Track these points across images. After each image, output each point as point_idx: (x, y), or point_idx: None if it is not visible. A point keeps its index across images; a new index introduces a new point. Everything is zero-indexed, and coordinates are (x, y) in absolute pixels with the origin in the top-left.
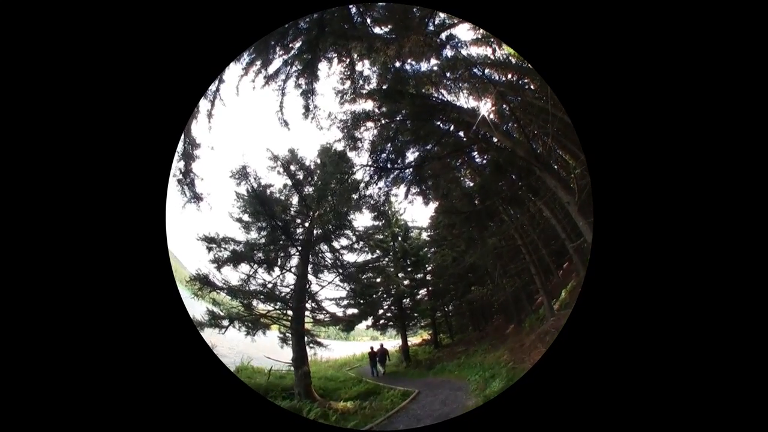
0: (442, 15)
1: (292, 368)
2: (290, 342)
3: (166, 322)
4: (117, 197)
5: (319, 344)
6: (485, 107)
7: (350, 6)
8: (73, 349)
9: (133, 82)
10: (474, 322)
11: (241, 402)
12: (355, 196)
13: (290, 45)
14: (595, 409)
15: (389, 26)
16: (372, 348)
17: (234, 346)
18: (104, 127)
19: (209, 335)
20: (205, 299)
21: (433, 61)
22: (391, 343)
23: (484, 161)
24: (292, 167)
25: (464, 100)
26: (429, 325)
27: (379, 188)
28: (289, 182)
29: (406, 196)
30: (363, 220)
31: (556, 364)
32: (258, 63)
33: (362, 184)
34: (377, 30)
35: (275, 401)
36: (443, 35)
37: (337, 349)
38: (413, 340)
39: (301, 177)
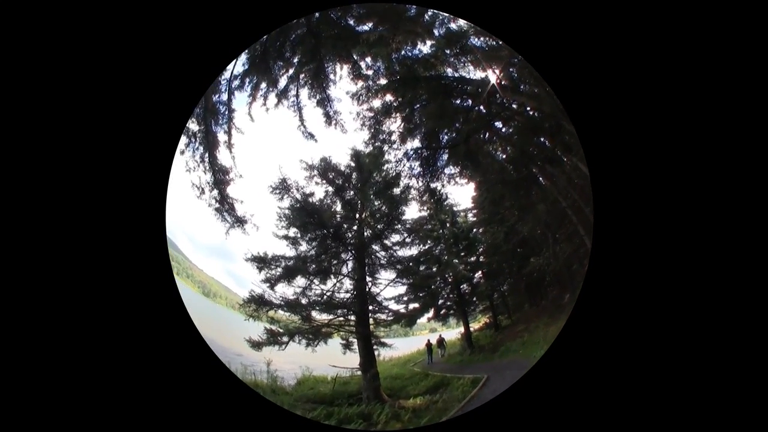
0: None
1: (358, 373)
2: (353, 347)
3: (166, 322)
4: (116, 198)
5: (384, 344)
6: (494, 74)
7: (329, 10)
8: (73, 349)
9: (127, 85)
10: (530, 298)
11: (238, 400)
12: (397, 191)
13: (291, 59)
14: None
15: (374, 20)
16: (429, 340)
17: (293, 360)
18: (104, 129)
19: (267, 353)
20: (262, 319)
21: (429, 43)
22: (452, 332)
23: (510, 129)
24: (330, 174)
25: (473, 73)
26: (487, 308)
27: (418, 177)
28: (330, 189)
29: (445, 179)
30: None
31: (557, 363)
32: (263, 86)
33: (401, 177)
34: (365, 27)
35: (341, 409)
36: (426, 16)
37: (400, 347)
38: (474, 326)
39: (341, 182)
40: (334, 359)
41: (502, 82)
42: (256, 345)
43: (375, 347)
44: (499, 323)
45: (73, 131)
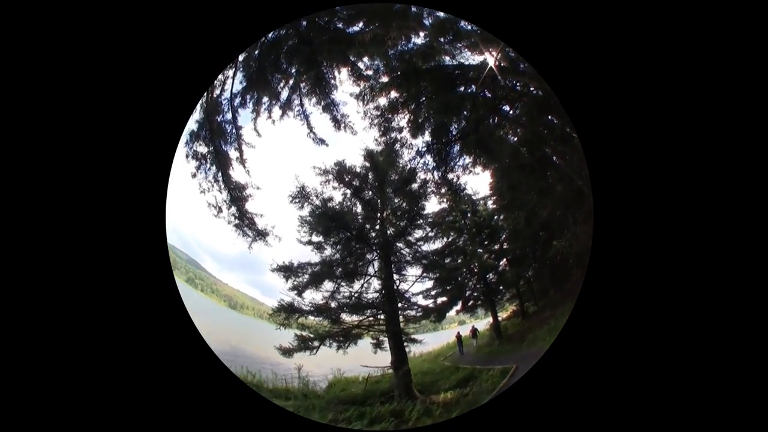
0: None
1: (390, 371)
2: (384, 346)
3: (167, 327)
4: (116, 199)
5: (414, 341)
6: (491, 56)
7: (315, 17)
8: (73, 350)
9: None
10: (554, 283)
11: (236, 397)
12: (414, 186)
13: (289, 70)
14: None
15: (363, 20)
16: (459, 332)
17: (324, 363)
18: (103, 132)
19: (297, 359)
20: (292, 326)
21: (422, 34)
22: (481, 323)
23: (518, 111)
24: (346, 177)
25: (471, 58)
26: (514, 296)
27: (434, 170)
28: (348, 191)
29: (461, 170)
30: (429, 206)
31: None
32: (265, 100)
33: (417, 172)
34: (356, 28)
35: (373, 408)
36: (413, 8)
37: (430, 341)
38: (501, 315)
39: (358, 183)
40: (365, 359)
41: (501, 64)
42: (287, 352)
43: (406, 344)
44: (526, 310)
45: (73, 133)
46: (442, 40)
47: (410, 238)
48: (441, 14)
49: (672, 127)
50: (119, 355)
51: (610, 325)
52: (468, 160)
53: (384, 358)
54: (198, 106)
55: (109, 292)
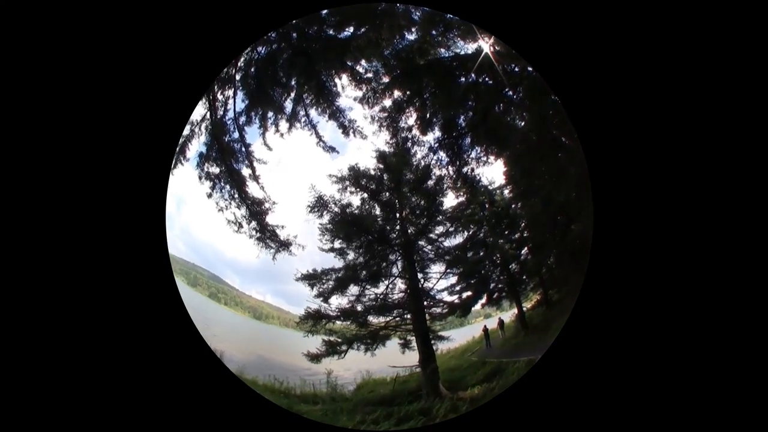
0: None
1: (418, 370)
2: (412, 345)
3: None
4: (116, 201)
5: (441, 338)
6: (485, 42)
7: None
8: (75, 351)
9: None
10: (575, 268)
11: (241, 402)
12: (430, 183)
13: (289, 83)
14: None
15: (352, 24)
16: (485, 326)
17: (352, 367)
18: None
19: (326, 364)
20: (319, 332)
21: (414, 29)
22: (506, 315)
23: (521, 94)
24: (362, 181)
25: (466, 46)
26: (537, 284)
27: (447, 166)
28: (366, 195)
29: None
30: (447, 202)
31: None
32: (270, 114)
33: (431, 169)
34: (348, 32)
35: (401, 407)
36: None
37: (457, 337)
38: (526, 305)
39: (374, 186)
40: (393, 360)
41: (496, 48)
42: (315, 358)
43: (433, 342)
44: (550, 298)
45: (72, 135)
46: (434, 32)
47: (431, 235)
48: (426, 9)
49: (671, 122)
50: (119, 355)
51: (610, 323)
52: (480, 151)
53: (412, 358)
54: (203, 128)
55: (108, 297)
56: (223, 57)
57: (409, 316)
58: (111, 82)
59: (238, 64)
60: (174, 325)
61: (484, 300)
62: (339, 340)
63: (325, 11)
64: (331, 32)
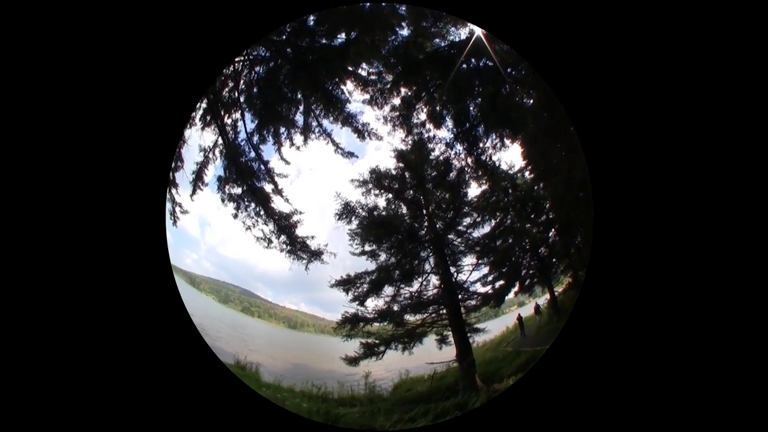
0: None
1: (455, 365)
2: (449, 340)
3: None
4: (116, 204)
5: (477, 330)
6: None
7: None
8: (75, 352)
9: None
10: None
11: (239, 402)
12: (452, 175)
13: (295, 97)
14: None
15: (343, 30)
16: (519, 314)
17: (390, 366)
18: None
19: (364, 366)
20: (357, 336)
21: (404, 24)
22: (540, 300)
23: (523, 72)
24: (385, 182)
25: (459, 33)
26: (567, 266)
27: (466, 156)
28: (390, 195)
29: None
30: (471, 192)
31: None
32: (282, 130)
33: (451, 161)
34: (340, 38)
35: (438, 404)
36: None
37: (492, 328)
38: (558, 289)
39: (397, 186)
40: (431, 356)
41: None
42: (353, 361)
43: (469, 335)
44: (580, 280)
45: (72, 135)
46: (425, 24)
47: (459, 227)
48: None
49: (671, 122)
50: (119, 357)
51: (611, 322)
52: (495, 136)
53: (449, 353)
54: (217, 153)
55: (109, 299)
56: (212, 67)
57: (444, 311)
58: (108, 84)
59: (239, 86)
60: (178, 332)
61: (516, 288)
62: (376, 341)
63: (312, 19)
64: (324, 41)
